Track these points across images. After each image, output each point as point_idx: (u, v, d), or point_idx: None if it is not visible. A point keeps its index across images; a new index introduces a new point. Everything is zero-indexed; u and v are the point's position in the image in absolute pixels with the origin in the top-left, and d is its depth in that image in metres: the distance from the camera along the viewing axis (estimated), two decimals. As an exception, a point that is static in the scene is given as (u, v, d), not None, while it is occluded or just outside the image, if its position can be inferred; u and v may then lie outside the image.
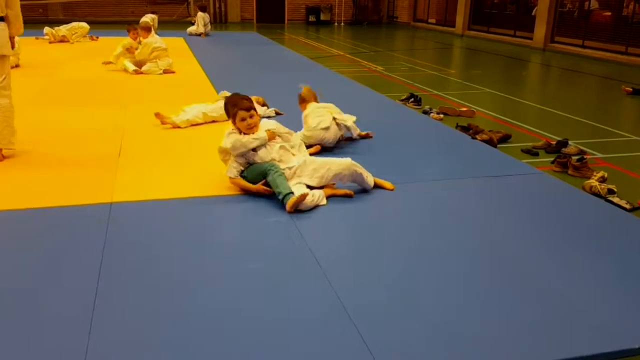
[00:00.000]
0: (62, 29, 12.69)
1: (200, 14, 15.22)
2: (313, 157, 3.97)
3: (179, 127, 5.49)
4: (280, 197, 3.59)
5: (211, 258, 3.00)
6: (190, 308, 2.53)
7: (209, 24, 15.44)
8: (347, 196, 3.78)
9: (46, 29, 12.56)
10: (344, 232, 3.37)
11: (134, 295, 2.62)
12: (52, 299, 2.57)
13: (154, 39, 8.91)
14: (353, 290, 2.69)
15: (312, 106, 4.96)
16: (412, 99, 7.14)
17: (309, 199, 3.58)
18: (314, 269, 2.88)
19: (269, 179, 3.70)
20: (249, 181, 3.84)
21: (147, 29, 8.95)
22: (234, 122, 3.91)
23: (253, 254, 3.05)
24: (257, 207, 3.66)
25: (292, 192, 3.58)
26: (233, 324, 2.42)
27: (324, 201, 3.68)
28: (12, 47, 4.77)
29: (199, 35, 14.93)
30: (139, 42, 8.88)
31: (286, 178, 3.72)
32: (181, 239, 3.20)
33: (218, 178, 4.15)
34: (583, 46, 13.12)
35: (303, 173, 3.81)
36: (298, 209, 3.53)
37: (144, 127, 5.53)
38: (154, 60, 8.76)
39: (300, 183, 3.74)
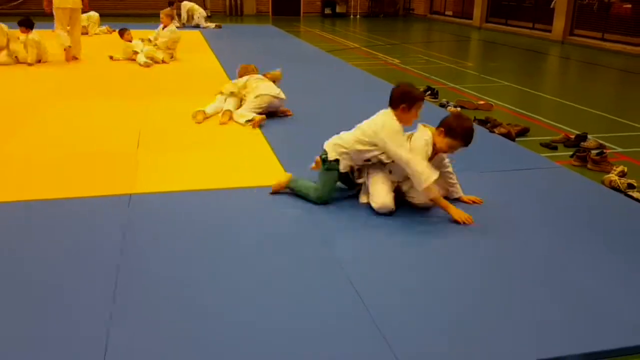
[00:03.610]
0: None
1: (184, 3, 14.78)
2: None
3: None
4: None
5: (230, 252, 3.00)
6: (208, 303, 2.53)
7: (201, 17, 14.91)
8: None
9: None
10: (363, 230, 3.34)
11: (154, 287, 2.65)
12: (72, 290, 2.60)
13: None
14: (375, 291, 2.64)
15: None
16: (429, 92, 7.10)
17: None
18: (335, 269, 2.87)
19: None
20: (325, 187, 3.58)
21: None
22: (406, 111, 3.40)
23: (272, 249, 3.04)
24: (276, 199, 3.67)
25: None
26: (251, 321, 2.43)
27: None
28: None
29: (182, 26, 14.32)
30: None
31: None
32: (201, 231, 3.22)
33: (237, 169, 4.18)
34: (603, 39, 12.93)
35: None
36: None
37: (162, 119, 5.57)
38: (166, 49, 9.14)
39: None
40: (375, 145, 3.44)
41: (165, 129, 5.22)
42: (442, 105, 6.55)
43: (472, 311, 2.52)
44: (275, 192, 3.72)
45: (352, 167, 3.63)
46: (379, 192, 3.46)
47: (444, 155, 3.55)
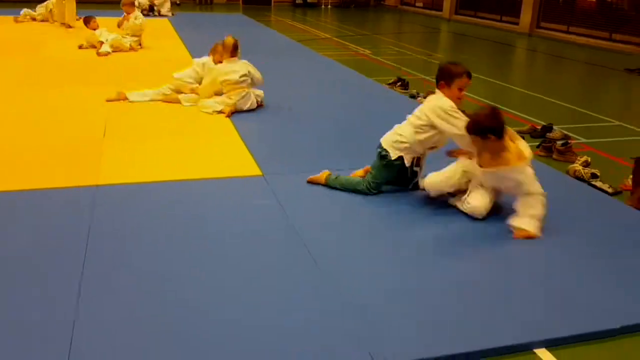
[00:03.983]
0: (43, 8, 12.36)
1: None
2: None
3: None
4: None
5: (197, 244, 2.96)
6: (176, 297, 2.49)
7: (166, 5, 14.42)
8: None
9: (25, 11, 12.13)
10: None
11: (120, 281, 2.60)
12: (35, 285, 2.53)
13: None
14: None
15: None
16: (399, 83, 7.13)
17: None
18: (303, 253, 2.88)
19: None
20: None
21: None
22: (444, 87, 3.41)
23: (240, 238, 3.02)
24: (247, 190, 3.65)
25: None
26: (221, 314, 2.42)
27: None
28: None
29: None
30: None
31: None
32: (168, 223, 3.18)
33: (207, 160, 4.13)
34: (568, 32, 13.17)
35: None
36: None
37: (129, 108, 5.47)
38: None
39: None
40: (434, 126, 3.40)
41: (132, 118, 5.13)
42: (413, 97, 6.59)
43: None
44: (311, 183, 3.72)
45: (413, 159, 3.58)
46: (476, 196, 3.35)
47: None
